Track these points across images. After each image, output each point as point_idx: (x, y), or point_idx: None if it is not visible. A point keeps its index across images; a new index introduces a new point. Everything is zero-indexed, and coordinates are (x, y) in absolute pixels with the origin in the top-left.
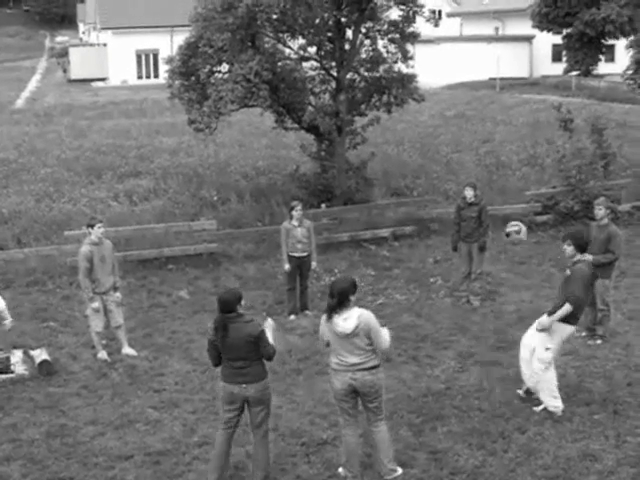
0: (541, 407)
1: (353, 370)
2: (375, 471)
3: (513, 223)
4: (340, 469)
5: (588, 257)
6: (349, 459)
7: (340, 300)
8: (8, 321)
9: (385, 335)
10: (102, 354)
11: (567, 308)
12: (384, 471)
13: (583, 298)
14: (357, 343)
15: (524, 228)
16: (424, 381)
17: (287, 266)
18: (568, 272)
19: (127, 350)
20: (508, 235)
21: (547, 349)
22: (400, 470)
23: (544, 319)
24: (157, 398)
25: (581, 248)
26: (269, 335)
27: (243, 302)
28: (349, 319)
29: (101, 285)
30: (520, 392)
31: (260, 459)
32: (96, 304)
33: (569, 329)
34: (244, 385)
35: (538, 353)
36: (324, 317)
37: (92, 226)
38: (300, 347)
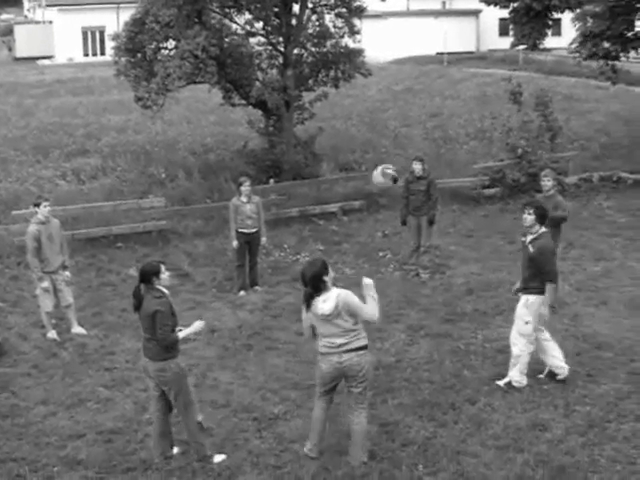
0: (505, 380)
1: (340, 352)
2: (331, 446)
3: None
4: (306, 444)
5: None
6: (312, 431)
7: (315, 285)
8: None
9: (370, 308)
10: (52, 334)
11: (551, 287)
12: (355, 462)
13: (557, 271)
14: (340, 324)
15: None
16: (374, 354)
17: (235, 243)
18: (531, 250)
19: (77, 329)
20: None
21: (527, 323)
22: (366, 458)
23: (544, 311)
24: (108, 376)
25: (541, 219)
26: (189, 330)
27: (163, 276)
28: (328, 300)
29: (50, 264)
30: (541, 376)
31: (188, 436)
32: (45, 284)
33: (541, 298)
34: (146, 359)
35: (519, 328)
36: (303, 307)
37: (38, 205)
38: (250, 323)
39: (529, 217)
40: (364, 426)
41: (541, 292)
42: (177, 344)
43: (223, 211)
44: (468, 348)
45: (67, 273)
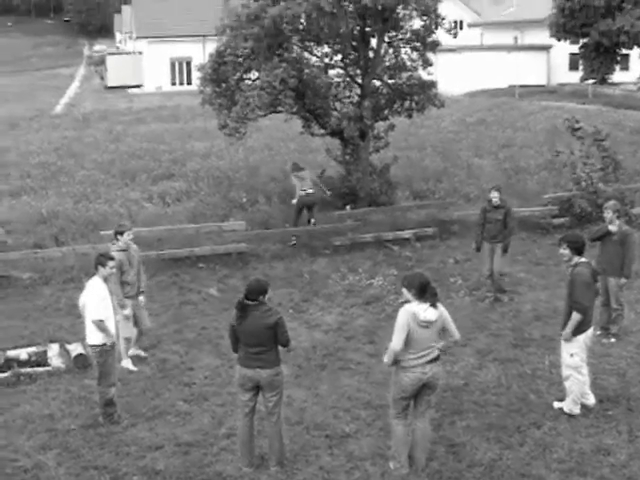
0: (559, 405)
1: (423, 364)
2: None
3: None
4: (390, 463)
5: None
6: (398, 448)
7: (433, 291)
8: None
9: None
10: (127, 362)
11: (576, 318)
12: (419, 465)
13: (588, 304)
14: (433, 333)
15: None
16: (444, 377)
17: None
18: (570, 278)
19: (126, 363)
20: None
21: (571, 355)
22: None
23: (564, 333)
24: (187, 391)
25: (577, 250)
26: None
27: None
28: (429, 309)
29: (132, 289)
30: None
31: (278, 440)
32: (128, 310)
33: (584, 334)
34: (257, 369)
35: (565, 360)
36: (415, 308)
37: (122, 233)
38: (324, 343)
39: (565, 252)
40: (430, 431)
41: (582, 329)
42: None
43: (301, 235)
44: (535, 373)
45: (141, 298)
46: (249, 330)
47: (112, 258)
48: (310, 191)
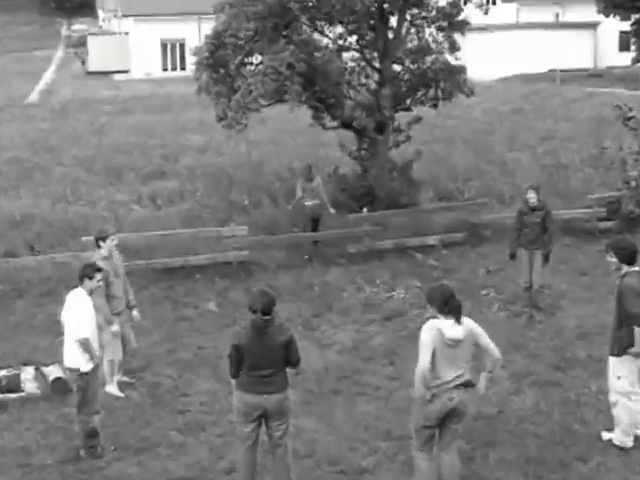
0: (608, 436)
1: (450, 388)
2: None
3: None
4: None
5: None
6: None
7: (459, 305)
8: None
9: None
10: (112, 388)
11: (639, 332)
12: None
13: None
14: (462, 353)
15: None
16: (474, 403)
17: None
18: (618, 289)
19: (111, 388)
20: None
21: (619, 378)
22: None
23: (633, 350)
24: (181, 420)
25: (626, 258)
26: None
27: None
28: (455, 326)
29: (120, 304)
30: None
31: (289, 469)
32: (116, 327)
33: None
34: (265, 395)
35: (612, 384)
36: (440, 324)
37: (104, 239)
38: (338, 365)
39: (612, 260)
40: (458, 462)
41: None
42: None
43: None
44: (580, 399)
45: (135, 312)
46: (263, 350)
47: (100, 269)
48: (314, 203)
